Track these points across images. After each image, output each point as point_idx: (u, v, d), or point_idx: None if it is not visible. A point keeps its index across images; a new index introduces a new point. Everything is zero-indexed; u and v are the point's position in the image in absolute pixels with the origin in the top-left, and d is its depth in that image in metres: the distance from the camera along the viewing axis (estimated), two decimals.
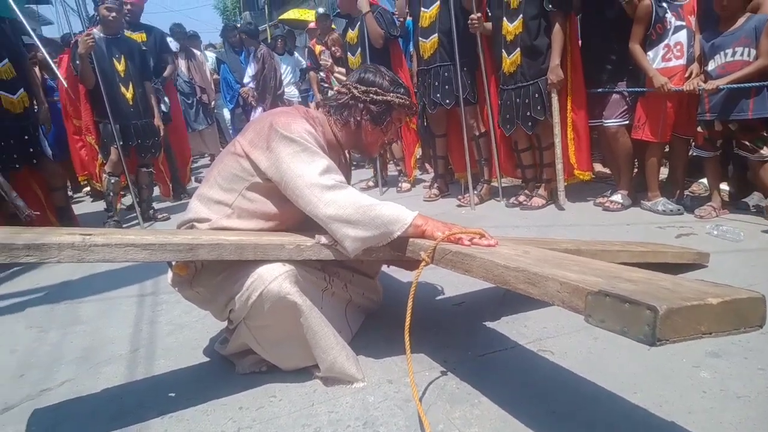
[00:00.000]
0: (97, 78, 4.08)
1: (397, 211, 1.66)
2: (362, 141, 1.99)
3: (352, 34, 4.94)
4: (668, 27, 3.45)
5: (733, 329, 1.02)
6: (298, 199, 1.70)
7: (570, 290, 1.06)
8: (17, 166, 3.79)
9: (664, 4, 3.43)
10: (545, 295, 1.11)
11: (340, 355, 1.77)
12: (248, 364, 1.91)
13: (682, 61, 3.45)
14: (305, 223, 1.86)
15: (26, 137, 3.85)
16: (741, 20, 3.16)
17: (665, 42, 3.47)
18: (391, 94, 1.93)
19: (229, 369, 1.95)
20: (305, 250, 1.66)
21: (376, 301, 2.26)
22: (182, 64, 7.14)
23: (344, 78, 6.41)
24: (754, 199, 3.57)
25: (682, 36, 3.44)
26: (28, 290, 3.10)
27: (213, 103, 7.54)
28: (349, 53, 5.08)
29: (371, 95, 1.91)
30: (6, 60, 3.70)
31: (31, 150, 3.89)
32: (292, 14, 12.11)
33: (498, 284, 1.26)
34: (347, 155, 2.14)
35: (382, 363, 1.92)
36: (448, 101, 4.21)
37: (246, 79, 7.15)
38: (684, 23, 3.43)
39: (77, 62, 4.08)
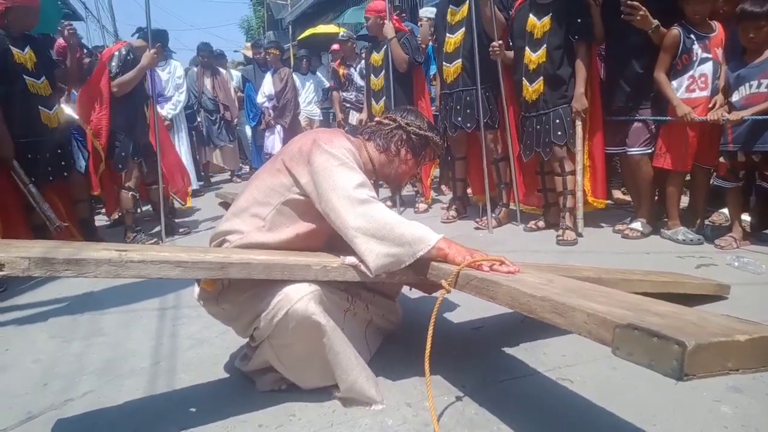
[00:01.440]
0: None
1: (423, 232, 1.69)
2: (396, 169, 2.08)
3: (376, 57, 5.04)
4: (694, 59, 3.46)
5: (761, 366, 1.02)
6: (330, 212, 1.73)
7: (597, 322, 1.07)
8: (51, 179, 3.88)
9: (692, 36, 3.45)
10: (572, 326, 1.13)
11: (360, 376, 1.78)
12: (268, 382, 1.93)
13: (706, 93, 3.47)
14: (332, 243, 1.90)
15: (60, 151, 3.96)
16: (767, 53, 3.17)
17: (690, 73, 3.49)
18: (430, 132, 2.09)
19: (249, 386, 1.97)
20: (331, 271, 1.69)
21: (396, 323, 2.28)
22: (207, 81, 7.32)
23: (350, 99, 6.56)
24: None
25: (707, 68, 3.46)
26: (51, 300, 3.15)
27: (236, 120, 7.68)
28: (372, 75, 5.17)
29: (413, 128, 2.06)
30: (44, 77, 3.82)
31: (63, 163, 3.99)
32: (309, 32, 12.23)
33: (524, 312, 1.28)
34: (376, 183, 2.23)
35: (401, 385, 1.93)
36: (469, 125, 4.26)
37: (261, 99, 7.28)
38: (710, 55, 3.44)
39: (118, 69, 4.24)
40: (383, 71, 4.92)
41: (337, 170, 1.75)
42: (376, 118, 2.18)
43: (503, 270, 1.61)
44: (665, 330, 0.96)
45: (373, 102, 5.14)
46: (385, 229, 1.66)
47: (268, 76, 7.25)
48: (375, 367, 1.95)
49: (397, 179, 2.14)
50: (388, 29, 4.74)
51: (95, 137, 4.33)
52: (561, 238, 3.79)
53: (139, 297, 3.04)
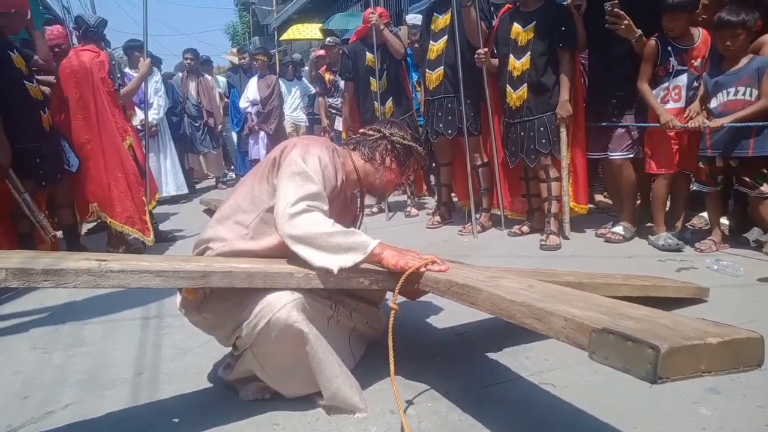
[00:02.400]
0: None
1: (358, 239, 1.73)
2: (381, 178, 2.11)
3: (372, 58, 5.07)
4: (670, 70, 3.53)
5: (732, 368, 1.05)
6: (275, 218, 1.76)
7: (575, 327, 1.08)
8: (43, 184, 3.78)
9: (669, 48, 3.51)
10: (550, 331, 1.14)
11: (343, 384, 1.78)
12: (252, 391, 1.92)
13: (680, 104, 3.54)
14: None
15: (55, 155, 3.89)
16: (744, 60, 3.24)
17: (665, 85, 3.57)
18: (414, 143, 2.14)
19: (233, 396, 1.96)
20: (313, 278, 1.69)
21: (380, 330, 2.28)
22: (192, 87, 7.30)
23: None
24: (754, 234, 3.61)
25: (682, 80, 3.53)
26: (33, 310, 3.11)
27: (220, 127, 7.65)
28: (370, 77, 5.20)
29: (398, 138, 2.11)
30: (35, 81, 3.78)
31: (57, 167, 3.91)
32: (292, 33, 12.23)
33: (503, 318, 1.29)
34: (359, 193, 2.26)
35: (385, 393, 1.92)
36: (450, 131, 4.30)
37: (244, 103, 7.25)
38: (686, 68, 3.50)
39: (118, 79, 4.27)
40: (384, 72, 5.00)
41: (293, 179, 1.78)
42: (361, 130, 2.22)
43: (435, 269, 1.72)
44: (639, 334, 0.98)
45: (377, 104, 5.07)
46: (320, 239, 1.69)
47: (254, 81, 7.24)
48: (359, 375, 1.95)
49: (382, 188, 2.17)
50: (377, 21, 4.82)
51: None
52: (545, 243, 3.82)
53: (122, 306, 3.01)
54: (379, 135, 2.11)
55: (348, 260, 1.69)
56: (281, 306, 1.66)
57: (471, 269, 1.83)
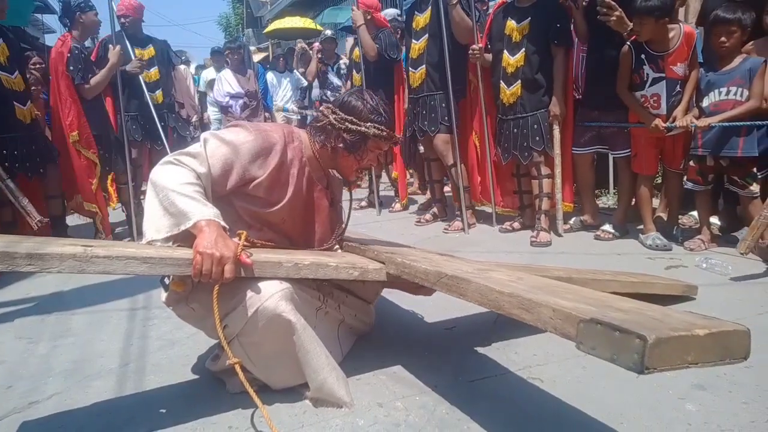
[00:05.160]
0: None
1: (192, 207, 1.62)
2: (338, 165, 2.04)
3: (357, 53, 5.08)
4: (645, 78, 3.49)
5: (719, 360, 1.05)
6: None
7: (562, 317, 1.08)
8: (29, 175, 3.80)
9: (642, 56, 3.47)
10: (538, 321, 1.14)
11: (330, 376, 1.77)
12: (239, 384, 1.90)
13: (660, 111, 3.48)
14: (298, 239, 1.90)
15: (34, 147, 3.87)
16: (737, 60, 3.24)
17: (642, 92, 3.53)
18: (368, 124, 1.92)
19: (220, 387, 1.94)
20: (302, 268, 1.68)
21: (369, 324, 2.28)
22: None
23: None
24: (744, 233, 3.62)
25: (659, 88, 3.47)
26: (19, 300, 3.08)
27: (194, 118, 7.40)
28: (354, 71, 5.24)
29: (347, 124, 1.92)
30: (17, 72, 3.76)
31: (39, 159, 3.91)
32: (277, 24, 12.11)
33: (492, 309, 1.29)
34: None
35: (373, 386, 1.92)
36: (433, 128, 4.31)
37: (221, 97, 6.95)
38: (664, 75, 3.44)
39: (77, 73, 4.11)
40: (362, 68, 4.96)
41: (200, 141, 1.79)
42: (320, 108, 2.14)
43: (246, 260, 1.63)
44: (627, 324, 0.98)
45: None
46: (163, 191, 1.64)
47: (228, 74, 7.02)
48: (348, 368, 1.95)
49: (343, 174, 2.09)
50: (356, 16, 4.78)
51: (86, 148, 4.23)
52: (535, 239, 3.83)
53: (109, 297, 2.99)
54: (326, 121, 1.95)
55: (162, 228, 1.63)
56: (269, 295, 1.65)
57: (461, 262, 1.83)
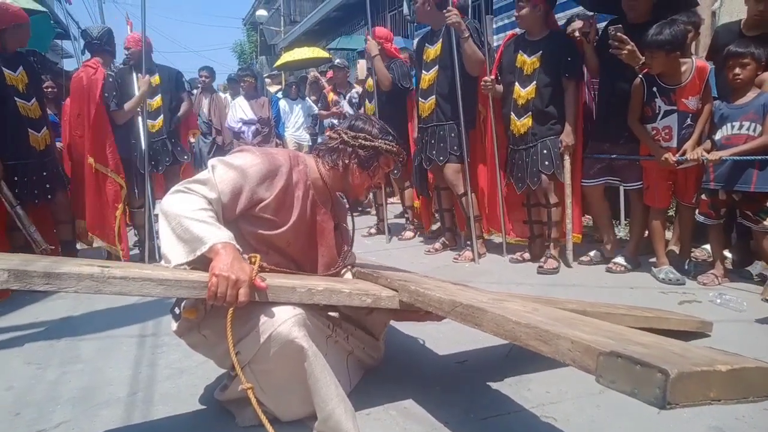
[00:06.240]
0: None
1: (207, 232, 1.63)
2: (349, 183, 2.06)
3: (371, 83, 5.17)
4: (657, 111, 3.50)
5: (742, 398, 1.03)
6: None
7: (582, 349, 1.07)
8: (36, 201, 3.85)
9: (654, 89, 3.49)
10: (556, 353, 1.12)
11: (338, 407, 1.73)
12: (249, 417, 1.87)
13: (671, 144, 3.49)
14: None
15: (45, 174, 3.93)
16: (751, 95, 3.25)
17: (653, 125, 3.54)
18: (380, 140, 2.02)
19: (228, 419, 1.92)
20: (316, 294, 1.68)
21: (377, 359, 2.25)
22: (204, 104, 7.41)
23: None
24: (757, 267, 3.58)
25: (672, 120, 3.48)
26: (28, 324, 3.08)
27: (228, 144, 7.65)
28: (366, 100, 5.33)
29: (360, 140, 2.00)
30: (34, 98, 3.84)
31: (49, 186, 3.96)
32: (286, 57, 12.35)
33: (509, 340, 1.27)
34: (341, 198, 2.23)
35: (383, 422, 1.89)
36: (442, 158, 4.34)
37: (234, 123, 7.08)
38: (675, 108, 3.45)
39: (112, 99, 4.23)
40: (375, 97, 5.04)
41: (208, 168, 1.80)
42: (327, 132, 2.18)
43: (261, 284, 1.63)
44: (648, 358, 0.97)
45: None
46: (176, 219, 1.65)
47: (242, 101, 7.20)
48: (356, 401, 1.91)
49: (353, 193, 2.12)
50: (371, 46, 4.88)
51: (115, 173, 4.30)
52: (542, 266, 3.84)
53: (119, 323, 2.98)
54: (338, 140, 2.03)
55: (177, 256, 1.63)
56: (282, 321, 1.64)
57: (476, 292, 1.81)
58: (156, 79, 4.92)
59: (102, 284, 1.36)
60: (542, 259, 3.91)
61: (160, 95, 4.92)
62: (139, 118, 4.54)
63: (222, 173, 1.78)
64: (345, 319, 2.06)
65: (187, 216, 1.64)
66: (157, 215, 4.57)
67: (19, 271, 1.29)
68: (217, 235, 1.62)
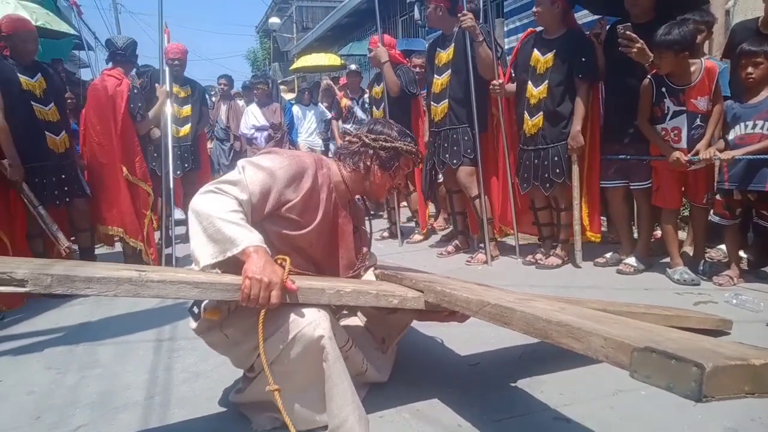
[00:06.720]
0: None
1: (239, 234, 1.66)
2: (371, 185, 2.09)
3: (377, 89, 5.22)
4: (666, 111, 3.48)
5: None
6: None
7: (615, 345, 1.06)
8: (57, 203, 3.89)
9: (663, 89, 3.46)
10: (588, 350, 1.12)
11: (352, 414, 1.72)
12: (265, 421, 1.88)
13: (680, 145, 3.46)
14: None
15: (64, 176, 3.96)
16: (764, 94, 3.23)
17: (662, 125, 3.52)
18: (399, 142, 2.07)
19: (244, 423, 1.92)
20: (344, 295, 1.69)
21: (383, 374, 2.22)
22: (222, 111, 7.56)
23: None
24: None
25: (680, 121, 3.45)
26: (48, 330, 3.10)
27: (246, 151, 7.76)
28: (374, 107, 5.37)
29: (380, 142, 2.05)
30: (52, 103, 3.88)
31: (67, 189, 3.99)
32: (303, 62, 12.50)
33: (539, 338, 1.27)
34: (361, 201, 2.26)
35: (396, 424, 1.90)
36: (455, 161, 4.34)
37: (246, 129, 7.21)
38: (684, 108, 3.42)
39: (138, 111, 4.33)
40: (383, 103, 5.05)
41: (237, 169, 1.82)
42: (346, 138, 2.19)
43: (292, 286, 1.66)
44: (683, 353, 0.96)
45: None
46: (207, 219, 1.67)
47: (254, 108, 7.28)
48: (369, 403, 1.92)
49: (374, 194, 2.15)
50: (381, 53, 4.90)
51: (144, 181, 4.39)
52: (542, 262, 3.87)
53: (136, 328, 3.00)
54: (359, 143, 2.07)
55: (207, 255, 1.65)
56: (308, 323, 1.65)
57: (501, 292, 1.80)
58: (188, 90, 5.28)
59: (140, 288, 1.40)
60: (538, 255, 3.94)
61: (190, 105, 5.24)
62: (166, 124, 4.61)
63: (251, 174, 1.80)
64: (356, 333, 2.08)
65: (220, 216, 1.66)
66: (176, 220, 4.65)
67: (63, 276, 1.33)
68: (249, 238, 1.65)
